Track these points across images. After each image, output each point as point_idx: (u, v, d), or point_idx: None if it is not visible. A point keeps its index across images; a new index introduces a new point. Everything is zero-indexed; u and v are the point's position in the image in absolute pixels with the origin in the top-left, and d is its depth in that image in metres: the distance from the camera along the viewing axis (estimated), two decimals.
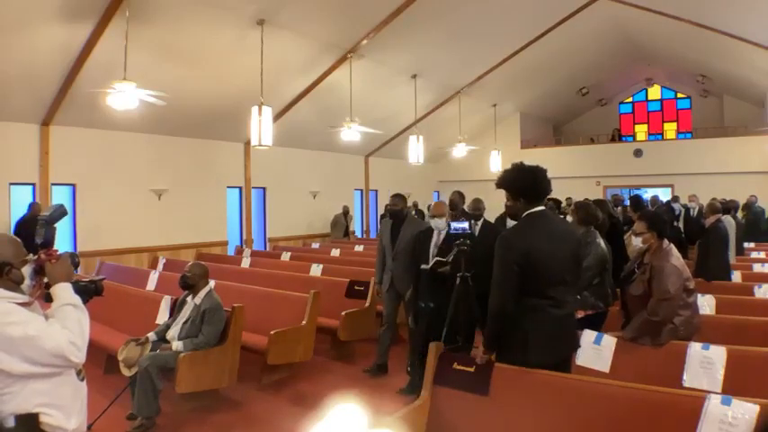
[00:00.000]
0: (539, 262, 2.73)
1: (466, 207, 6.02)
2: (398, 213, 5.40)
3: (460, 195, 6.19)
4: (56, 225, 7.47)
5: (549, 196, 3.16)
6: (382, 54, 10.23)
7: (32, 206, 8.00)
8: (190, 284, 4.49)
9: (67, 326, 1.88)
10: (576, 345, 3.13)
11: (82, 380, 2.03)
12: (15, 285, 1.95)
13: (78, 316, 1.94)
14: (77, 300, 2.00)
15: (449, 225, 4.67)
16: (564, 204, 11.05)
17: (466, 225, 4.34)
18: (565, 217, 7.12)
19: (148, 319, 5.11)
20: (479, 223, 5.24)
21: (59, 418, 1.89)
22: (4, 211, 8.09)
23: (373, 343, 5.63)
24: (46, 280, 2.04)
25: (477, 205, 5.55)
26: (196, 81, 8.67)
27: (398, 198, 5.50)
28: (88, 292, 2.14)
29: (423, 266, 4.47)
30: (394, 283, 5.23)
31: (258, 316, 5.16)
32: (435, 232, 4.63)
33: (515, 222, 3.00)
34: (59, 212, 7.39)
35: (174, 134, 10.11)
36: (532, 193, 2.86)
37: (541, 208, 2.89)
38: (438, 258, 4.36)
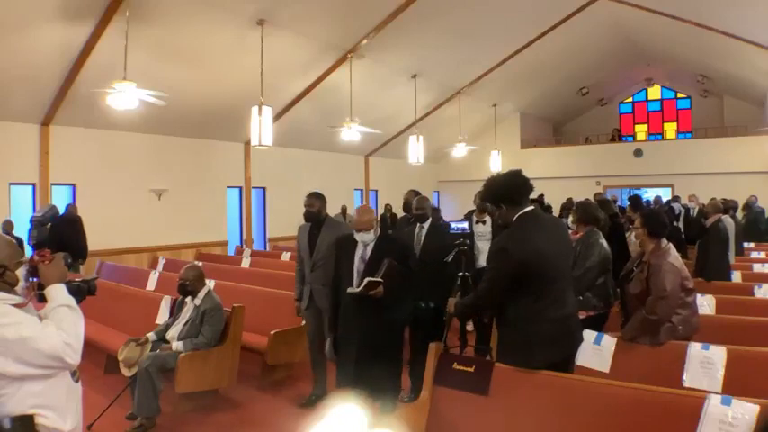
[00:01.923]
0: (536, 264, 2.73)
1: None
2: (315, 216, 4.56)
3: (417, 195, 5.63)
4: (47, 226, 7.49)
5: (535, 198, 3.21)
6: (382, 54, 10.23)
7: (69, 207, 8.06)
8: (189, 291, 4.49)
9: (63, 327, 1.87)
10: (578, 343, 3.11)
11: (77, 381, 2.02)
12: (10, 287, 1.94)
13: (73, 317, 1.93)
14: (72, 301, 1.99)
15: (449, 225, 4.61)
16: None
17: (465, 225, 4.34)
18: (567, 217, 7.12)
19: (148, 320, 5.12)
20: (425, 226, 4.65)
21: (55, 420, 1.88)
22: (3, 212, 8.08)
23: None
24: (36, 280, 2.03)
25: (421, 204, 4.77)
26: (196, 81, 8.67)
27: (314, 198, 4.60)
28: (81, 292, 2.13)
29: (349, 290, 3.57)
30: (314, 297, 4.53)
31: (258, 316, 5.16)
32: (360, 244, 3.75)
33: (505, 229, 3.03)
34: (52, 213, 7.40)
35: (174, 134, 10.11)
36: (509, 196, 2.89)
37: (530, 208, 2.90)
38: (370, 279, 3.45)
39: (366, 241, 3.72)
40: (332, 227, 4.58)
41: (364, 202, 15.24)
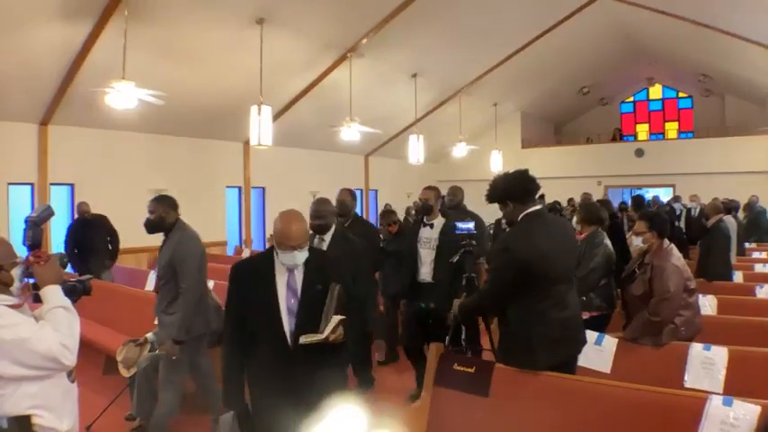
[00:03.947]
0: (538, 264, 2.72)
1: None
2: (157, 225, 3.61)
3: (352, 195, 4.86)
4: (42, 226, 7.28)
5: (543, 199, 3.18)
6: (382, 53, 10.21)
7: (80, 206, 7.56)
8: None
9: (58, 329, 1.88)
10: (581, 344, 3.09)
11: (72, 381, 2.03)
12: (5, 287, 1.95)
13: (69, 318, 1.94)
14: (67, 302, 1.99)
15: (455, 226, 4.49)
16: (566, 205, 11.02)
17: (471, 225, 4.30)
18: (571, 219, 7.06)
19: (147, 320, 5.08)
20: (326, 238, 3.94)
21: (51, 420, 1.90)
22: (2, 212, 8.07)
23: None
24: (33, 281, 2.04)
25: (320, 209, 3.85)
26: (195, 80, 8.65)
27: (154, 203, 3.64)
28: (76, 292, 2.14)
29: (305, 339, 2.38)
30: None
31: None
32: (283, 269, 2.49)
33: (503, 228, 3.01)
34: (47, 213, 7.17)
35: (173, 134, 10.09)
36: (517, 195, 2.88)
37: (537, 207, 2.88)
38: (340, 317, 2.39)
39: (297, 263, 2.46)
40: (176, 235, 3.59)
41: (364, 202, 15.15)
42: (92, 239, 7.36)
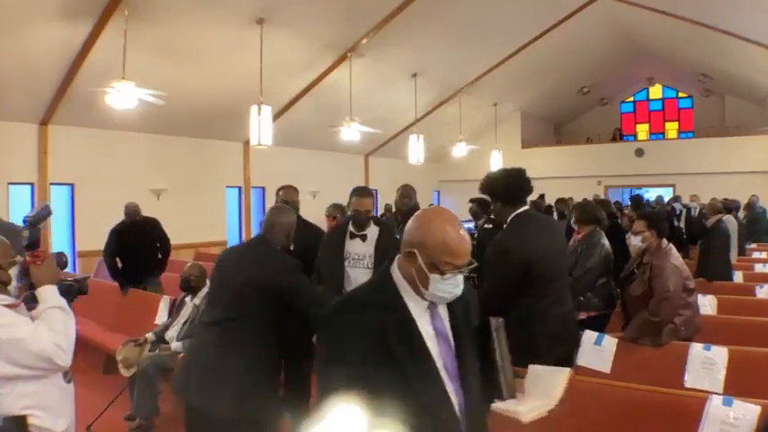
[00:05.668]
0: (537, 264, 2.72)
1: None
2: None
3: (297, 192, 4.09)
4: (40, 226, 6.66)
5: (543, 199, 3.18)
6: (382, 53, 10.21)
7: (128, 207, 6.56)
8: (192, 287, 4.48)
9: (54, 329, 1.88)
10: (578, 339, 3.09)
11: (68, 382, 2.02)
12: (2, 286, 1.95)
13: (64, 319, 1.94)
14: (63, 302, 1.99)
15: None
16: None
17: (471, 225, 4.30)
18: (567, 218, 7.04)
19: (147, 320, 5.10)
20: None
21: (47, 420, 1.89)
22: (2, 212, 8.06)
23: None
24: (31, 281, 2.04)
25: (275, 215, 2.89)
26: (195, 80, 8.65)
27: None
28: (72, 292, 2.14)
29: (524, 413, 1.87)
30: None
31: None
32: (423, 309, 1.50)
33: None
34: (45, 213, 6.83)
35: (173, 134, 10.09)
36: (511, 194, 2.87)
37: (526, 208, 2.88)
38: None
39: (458, 293, 1.51)
40: None
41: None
42: (141, 246, 6.41)
